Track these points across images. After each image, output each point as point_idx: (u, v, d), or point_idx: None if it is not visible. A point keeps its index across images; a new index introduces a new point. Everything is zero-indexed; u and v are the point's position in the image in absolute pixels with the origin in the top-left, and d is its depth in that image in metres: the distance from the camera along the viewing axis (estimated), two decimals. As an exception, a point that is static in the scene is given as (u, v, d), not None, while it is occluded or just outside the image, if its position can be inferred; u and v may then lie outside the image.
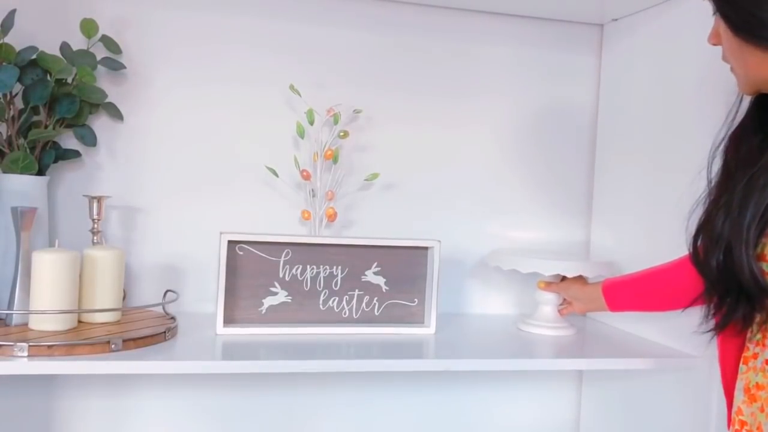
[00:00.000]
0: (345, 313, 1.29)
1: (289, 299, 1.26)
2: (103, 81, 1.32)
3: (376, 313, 1.31)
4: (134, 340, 1.08)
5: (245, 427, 1.43)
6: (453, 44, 1.49)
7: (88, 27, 1.27)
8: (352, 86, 1.44)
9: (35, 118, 1.25)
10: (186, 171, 1.38)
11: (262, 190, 1.41)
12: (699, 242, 0.93)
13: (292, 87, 1.37)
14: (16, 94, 1.23)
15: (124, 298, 1.26)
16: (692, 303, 0.99)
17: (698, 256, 0.92)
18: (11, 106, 1.21)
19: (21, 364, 0.98)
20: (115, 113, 1.33)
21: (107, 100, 1.30)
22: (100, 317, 1.17)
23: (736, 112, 0.94)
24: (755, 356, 0.90)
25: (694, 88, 1.25)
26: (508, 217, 1.54)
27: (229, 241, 1.21)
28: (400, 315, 1.32)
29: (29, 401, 1.33)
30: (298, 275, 1.27)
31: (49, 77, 1.22)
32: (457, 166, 1.51)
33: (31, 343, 1.00)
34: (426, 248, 1.32)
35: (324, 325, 1.27)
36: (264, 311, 1.25)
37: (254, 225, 1.39)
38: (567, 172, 1.57)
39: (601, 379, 1.51)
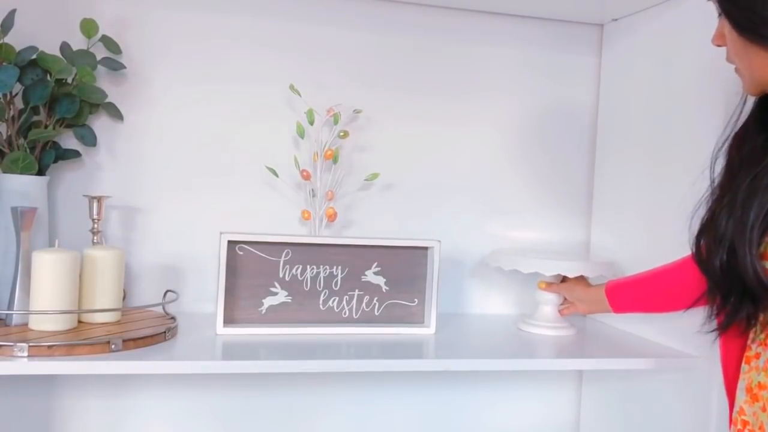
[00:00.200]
0: (345, 313, 1.29)
1: (289, 299, 1.26)
2: (103, 81, 1.32)
3: (376, 313, 1.31)
4: (134, 340, 1.08)
5: (245, 427, 1.43)
6: (453, 44, 1.49)
7: (88, 27, 1.27)
8: (352, 86, 1.44)
9: (35, 118, 1.25)
10: (186, 171, 1.38)
11: (262, 189, 1.41)
12: (702, 242, 0.92)
13: (292, 87, 1.37)
14: (16, 94, 1.23)
15: (124, 298, 1.26)
16: (695, 303, 0.99)
17: (701, 256, 0.92)
18: (11, 106, 1.21)
19: (21, 364, 0.98)
20: (115, 113, 1.33)
21: (107, 100, 1.30)
22: (100, 317, 1.17)
23: (740, 112, 0.94)
24: (757, 356, 0.90)
25: (694, 88, 1.25)
26: (507, 217, 1.54)
27: (229, 241, 1.21)
28: (400, 315, 1.32)
29: (29, 401, 1.33)
30: (298, 275, 1.27)
31: (49, 77, 1.22)
32: (456, 166, 1.51)
33: (31, 344, 1.00)
34: (426, 248, 1.32)
35: (324, 325, 1.27)
36: (264, 311, 1.25)
37: (254, 225, 1.39)
38: (567, 172, 1.57)
39: (601, 379, 1.51)
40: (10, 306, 1.12)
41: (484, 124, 1.52)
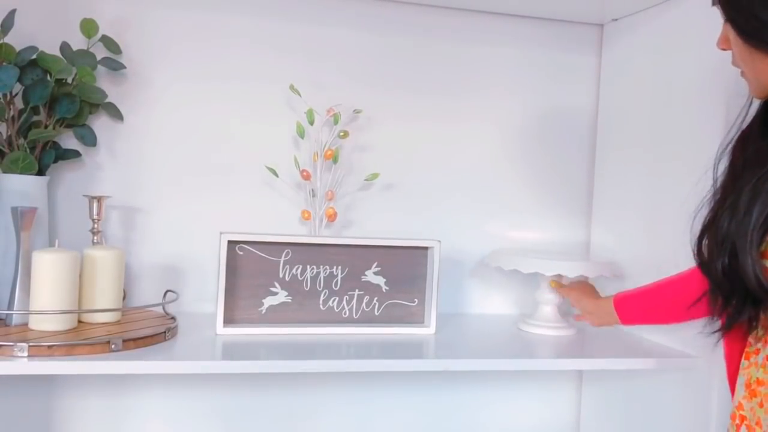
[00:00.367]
0: (345, 313, 1.29)
1: (289, 299, 1.26)
2: (103, 81, 1.32)
3: (376, 313, 1.31)
4: (134, 340, 1.08)
5: (245, 427, 1.43)
6: (453, 44, 1.49)
7: (88, 27, 1.27)
8: (352, 86, 1.44)
9: (35, 118, 1.25)
10: (186, 171, 1.38)
11: (262, 189, 1.41)
12: (704, 244, 0.92)
13: (292, 87, 1.37)
14: (16, 94, 1.23)
15: (124, 298, 1.26)
16: (705, 314, 0.97)
17: (703, 258, 0.92)
18: (11, 106, 1.21)
19: (21, 364, 0.98)
20: (115, 113, 1.33)
21: (107, 100, 1.30)
22: (100, 317, 1.17)
23: (746, 113, 0.94)
24: (757, 352, 0.91)
25: (694, 88, 1.25)
26: (507, 217, 1.54)
27: (229, 241, 1.21)
28: (400, 315, 1.32)
29: (29, 401, 1.33)
30: (298, 275, 1.27)
31: (49, 77, 1.22)
32: (456, 166, 1.51)
33: (31, 343, 1.00)
34: (426, 248, 1.32)
35: (324, 325, 1.27)
36: (264, 311, 1.25)
37: (254, 225, 1.39)
38: (567, 172, 1.57)
39: (601, 379, 1.51)
40: (10, 306, 1.12)
41: (484, 124, 1.52)
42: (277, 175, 1.38)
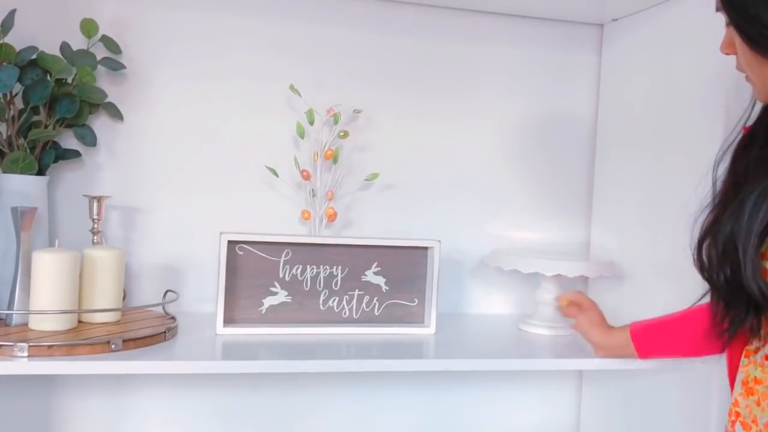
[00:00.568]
0: (345, 313, 1.29)
1: (289, 299, 1.26)
2: (103, 81, 1.32)
3: (376, 313, 1.31)
4: (134, 340, 1.08)
5: (245, 427, 1.43)
6: (453, 44, 1.49)
7: (88, 27, 1.27)
8: (352, 86, 1.44)
9: (35, 118, 1.25)
10: (186, 171, 1.38)
11: (262, 189, 1.41)
12: (704, 250, 0.91)
13: (292, 87, 1.37)
14: (16, 94, 1.23)
15: (124, 298, 1.26)
16: (730, 344, 0.94)
17: (704, 265, 0.91)
18: (11, 106, 1.21)
19: (21, 364, 0.98)
20: (115, 113, 1.33)
21: (107, 100, 1.30)
22: (100, 317, 1.17)
23: (748, 116, 0.94)
24: (756, 350, 0.91)
25: (695, 88, 1.25)
26: (507, 217, 1.54)
27: (229, 241, 1.21)
28: (400, 315, 1.32)
29: (29, 401, 1.33)
30: (298, 275, 1.27)
31: (49, 77, 1.22)
32: (456, 166, 1.51)
33: (31, 343, 1.00)
34: (426, 248, 1.32)
35: (324, 325, 1.27)
36: (264, 311, 1.25)
37: (254, 225, 1.39)
38: (567, 172, 1.57)
39: (601, 379, 1.51)
40: (10, 306, 1.12)
41: (484, 124, 1.52)
42: (277, 175, 1.38)
